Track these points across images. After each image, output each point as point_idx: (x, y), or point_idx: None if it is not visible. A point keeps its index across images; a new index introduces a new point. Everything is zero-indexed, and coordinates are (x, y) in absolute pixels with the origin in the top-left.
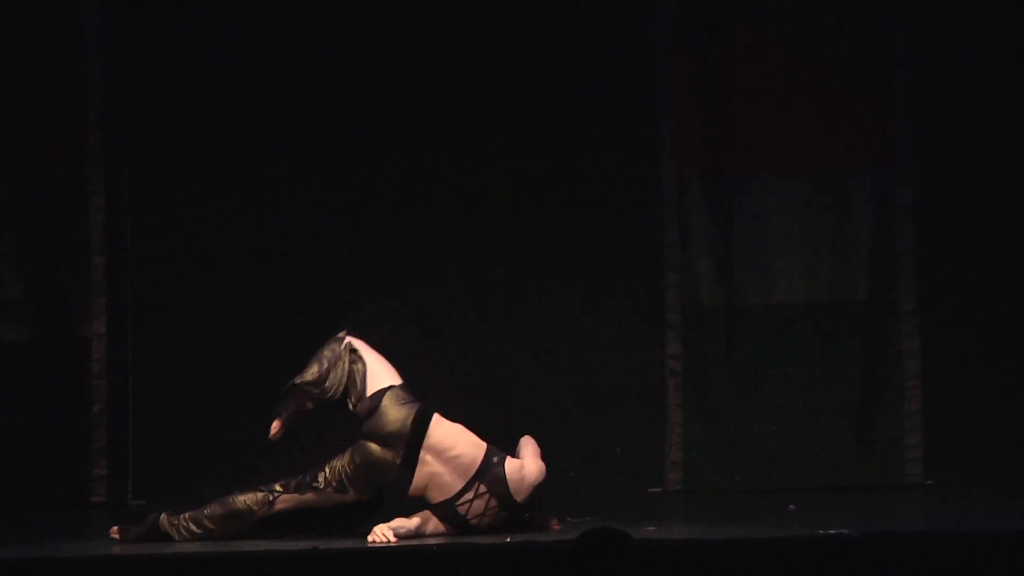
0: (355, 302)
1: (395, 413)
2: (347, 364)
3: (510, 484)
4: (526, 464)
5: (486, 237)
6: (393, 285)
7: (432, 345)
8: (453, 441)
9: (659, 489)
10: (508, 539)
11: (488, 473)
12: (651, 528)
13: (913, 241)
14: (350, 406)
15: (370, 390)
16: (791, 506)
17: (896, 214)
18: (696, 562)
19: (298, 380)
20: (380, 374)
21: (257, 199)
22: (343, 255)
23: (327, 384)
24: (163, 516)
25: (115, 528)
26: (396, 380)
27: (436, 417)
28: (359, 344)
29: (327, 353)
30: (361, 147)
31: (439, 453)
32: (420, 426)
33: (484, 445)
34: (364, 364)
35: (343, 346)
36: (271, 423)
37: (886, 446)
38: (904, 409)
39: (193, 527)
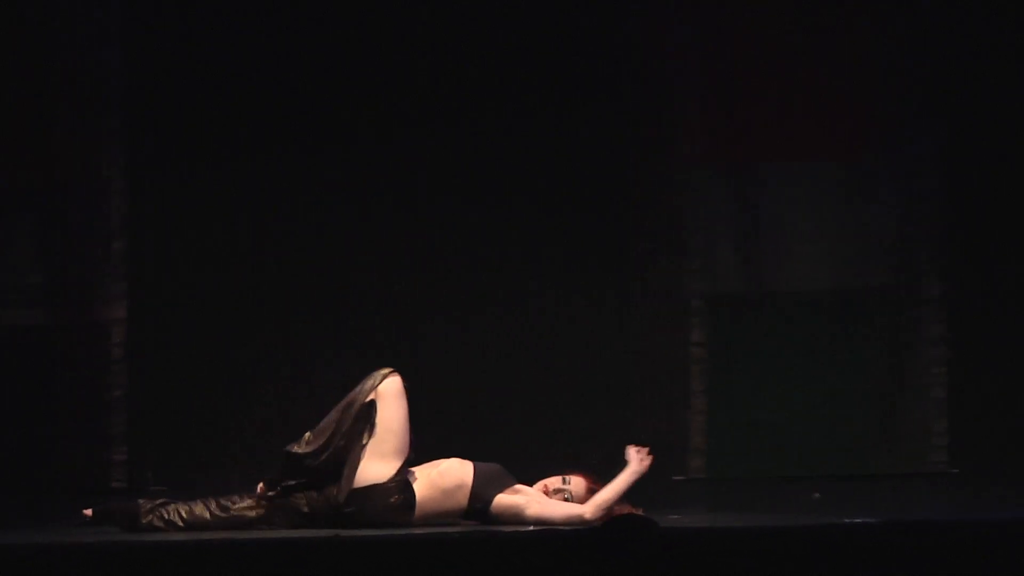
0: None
1: (379, 508)
2: (349, 441)
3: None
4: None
5: (506, 226)
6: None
7: (453, 337)
8: (439, 501)
9: (683, 477)
10: (531, 527)
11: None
12: (675, 516)
13: (938, 227)
14: (335, 492)
15: (357, 482)
16: (815, 494)
17: (921, 200)
18: (719, 550)
19: (295, 448)
20: (376, 461)
21: (280, 185)
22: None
23: (323, 459)
24: (142, 502)
25: (88, 510)
26: (394, 465)
27: (417, 496)
28: (390, 394)
29: (341, 414)
30: (374, 142)
31: (429, 509)
32: (406, 510)
33: (469, 484)
34: (367, 441)
35: (363, 403)
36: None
37: (911, 434)
38: (929, 397)
39: (166, 516)
